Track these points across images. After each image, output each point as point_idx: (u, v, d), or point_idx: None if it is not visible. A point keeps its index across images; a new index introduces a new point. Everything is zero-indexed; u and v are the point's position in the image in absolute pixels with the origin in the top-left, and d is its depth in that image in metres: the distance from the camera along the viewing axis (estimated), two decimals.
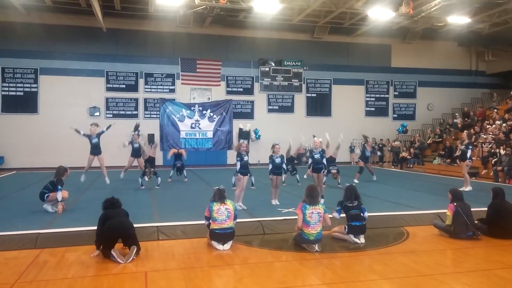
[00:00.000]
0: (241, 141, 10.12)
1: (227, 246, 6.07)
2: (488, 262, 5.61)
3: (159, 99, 19.04)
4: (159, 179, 12.32)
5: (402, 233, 7.08)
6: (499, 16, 19.07)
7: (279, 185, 9.60)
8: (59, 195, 8.32)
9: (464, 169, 12.45)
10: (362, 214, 6.54)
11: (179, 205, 9.39)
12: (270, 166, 9.39)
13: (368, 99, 23.75)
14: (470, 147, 12.48)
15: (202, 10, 18.25)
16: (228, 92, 21.59)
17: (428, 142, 21.87)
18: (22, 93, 19.49)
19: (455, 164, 16.52)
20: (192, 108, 17.56)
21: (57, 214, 8.14)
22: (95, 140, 12.12)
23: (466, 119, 21.88)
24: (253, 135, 21.35)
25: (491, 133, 18.11)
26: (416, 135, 22.29)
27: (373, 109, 23.80)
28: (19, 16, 18.43)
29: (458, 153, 14.35)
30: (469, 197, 8.53)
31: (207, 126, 17.55)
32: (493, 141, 16.95)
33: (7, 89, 19.36)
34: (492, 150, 16.30)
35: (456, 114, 22.75)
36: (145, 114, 20.82)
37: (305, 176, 13.92)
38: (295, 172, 13.20)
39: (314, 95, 23.01)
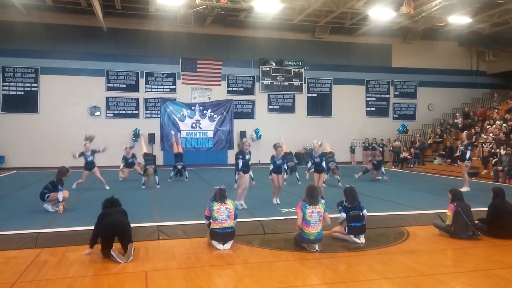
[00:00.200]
0: (244, 139, 10.23)
1: (228, 245, 6.07)
2: (488, 262, 5.61)
3: (159, 99, 19.11)
4: (157, 177, 12.36)
5: (403, 233, 7.08)
6: (500, 16, 19.06)
7: (281, 183, 9.65)
8: (60, 195, 8.33)
9: (464, 170, 12.45)
10: (361, 213, 6.55)
11: (179, 204, 9.39)
12: (271, 167, 9.47)
13: (369, 99, 23.75)
14: (469, 148, 12.46)
15: (202, 10, 18.25)
16: (229, 92, 21.60)
17: (429, 142, 21.84)
18: (22, 93, 19.50)
19: (456, 164, 16.49)
20: (193, 108, 17.59)
21: (58, 213, 8.14)
22: (90, 158, 11.72)
23: (466, 119, 21.86)
24: (254, 135, 21.36)
25: (491, 133, 18.10)
26: (417, 135, 22.27)
27: (373, 109, 23.81)
28: (20, 15, 18.45)
29: (458, 153, 14.34)
30: (469, 197, 8.54)
31: (208, 126, 17.58)
32: (493, 141, 16.95)
33: (7, 88, 19.36)
34: (493, 150, 16.30)
35: (457, 114, 22.73)
36: (145, 113, 20.81)
37: (306, 177, 13.88)
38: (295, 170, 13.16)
39: (315, 95, 23.00)
